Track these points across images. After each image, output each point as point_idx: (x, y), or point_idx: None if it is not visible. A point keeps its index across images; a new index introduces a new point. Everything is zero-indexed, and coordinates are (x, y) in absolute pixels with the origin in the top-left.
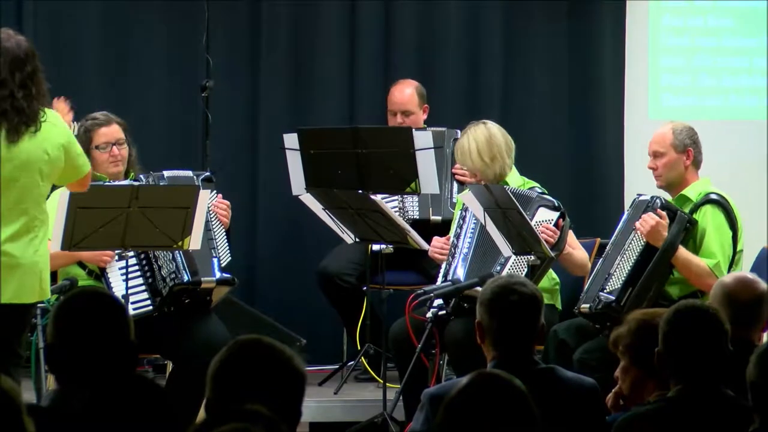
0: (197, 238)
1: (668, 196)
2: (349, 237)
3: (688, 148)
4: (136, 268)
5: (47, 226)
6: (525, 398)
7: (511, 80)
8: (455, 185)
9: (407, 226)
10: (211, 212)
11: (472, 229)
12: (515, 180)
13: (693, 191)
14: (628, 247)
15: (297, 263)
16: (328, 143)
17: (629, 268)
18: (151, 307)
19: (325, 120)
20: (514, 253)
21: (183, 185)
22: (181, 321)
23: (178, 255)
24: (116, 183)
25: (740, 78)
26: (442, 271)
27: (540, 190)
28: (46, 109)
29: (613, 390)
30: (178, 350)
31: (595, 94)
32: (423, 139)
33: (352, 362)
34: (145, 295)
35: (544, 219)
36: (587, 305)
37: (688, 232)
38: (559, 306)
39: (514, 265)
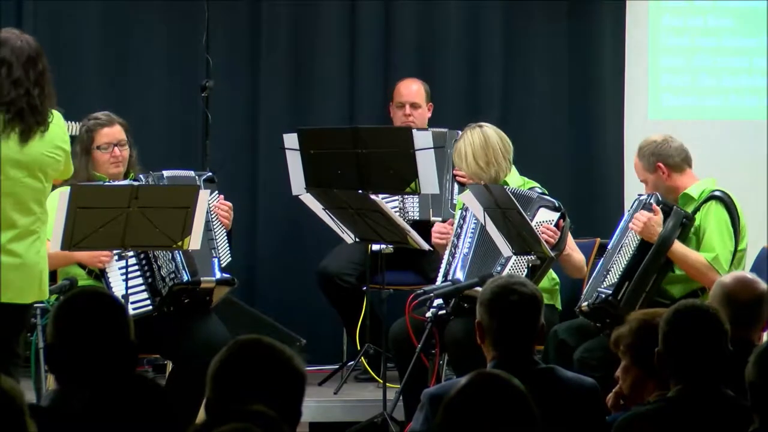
0: (197, 238)
1: None
2: (349, 237)
3: (656, 164)
4: (136, 268)
5: (46, 227)
6: (525, 398)
7: (511, 80)
8: (456, 186)
9: (407, 226)
10: (212, 212)
11: (473, 229)
12: (515, 180)
13: (696, 189)
14: (625, 243)
15: (297, 263)
16: (328, 143)
17: (625, 263)
18: (150, 307)
19: (325, 120)
20: (514, 254)
21: (183, 185)
22: (180, 321)
23: (177, 255)
24: (116, 183)
25: (740, 78)
26: (442, 271)
27: (540, 191)
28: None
29: (613, 390)
30: (178, 350)
31: (595, 94)
32: (423, 139)
33: (352, 362)
34: (145, 295)
35: (544, 219)
36: (586, 302)
37: (685, 228)
38: (559, 306)
39: (514, 266)
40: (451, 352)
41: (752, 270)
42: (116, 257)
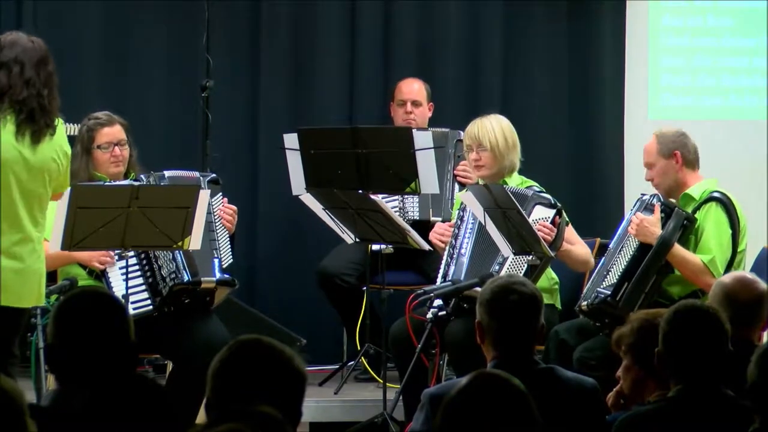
0: (197, 238)
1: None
2: (349, 237)
3: (674, 152)
4: (136, 267)
5: (45, 231)
6: (525, 398)
7: (511, 80)
8: (456, 186)
9: (407, 226)
10: (214, 213)
11: (471, 229)
12: (514, 180)
13: (697, 190)
14: (625, 244)
15: (297, 263)
16: (328, 143)
17: (625, 264)
18: (151, 307)
19: (325, 120)
20: (514, 253)
21: (183, 185)
22: (181, 321)
23: (178, 255)
24: (116, 183)
25: (740, 78)
26: (441, 271)
27: (537, 189)
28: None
29: (614, 389)
30: (178, 350)
31: (595, 94)
32: (423, 139)
33: (352, 362)
34: (145, 294)
35: (540, 217)
36: (585, 302)
37: (686, 229)
38: (559, 306)
39: (512, 265)
40: (451, 352)
41: (752, 270)
42: (116, 257)
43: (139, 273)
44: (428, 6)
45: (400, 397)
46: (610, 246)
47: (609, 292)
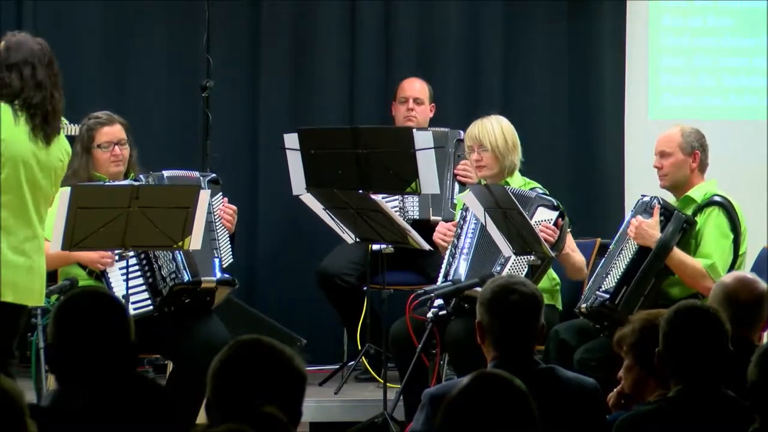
0: (197, 238)
1: (671, 197)
2: (349, 237)
3: (695, 151)
4: (137, 268)
5: (46, 230)
6: (525, 398)
7: (511, 80)
8: (456, 186)
9: (407, 226)
10: (215, 213)
11: (473, 229)
12: (517, 181)
13: (698, 192)
14: (625, 246)
15: (297, 263)
16: (328, 143)
17: (624, 267)
18: (151, 307)
19: (325, 120)
20: (515, 254)
21: (183, 185)
22: (181, 321)
23: (178, 255)
24: (116, 183)
25: (740, 78)
26: (442, 271)
27: (541, 191)
28: None
29: (615, 389)
30: (179, 350)
31: (595, 94)
32: (423, 139)
33: (353, 362)
34: (146, 295)
35: (543, 218)
36: (585, 304)
37: (685, 233)
38: (559, 306)
39: (514, 265)
40: (451, 352)
41: (752, 270)
42: (117, 257)
43: (139, 273)
44: (428, 6)
45: (401, 397)
46: (610, 248)
47: (607, 296)
